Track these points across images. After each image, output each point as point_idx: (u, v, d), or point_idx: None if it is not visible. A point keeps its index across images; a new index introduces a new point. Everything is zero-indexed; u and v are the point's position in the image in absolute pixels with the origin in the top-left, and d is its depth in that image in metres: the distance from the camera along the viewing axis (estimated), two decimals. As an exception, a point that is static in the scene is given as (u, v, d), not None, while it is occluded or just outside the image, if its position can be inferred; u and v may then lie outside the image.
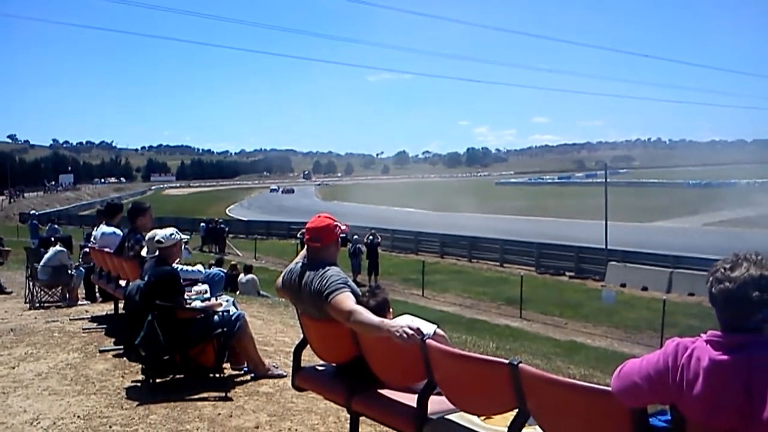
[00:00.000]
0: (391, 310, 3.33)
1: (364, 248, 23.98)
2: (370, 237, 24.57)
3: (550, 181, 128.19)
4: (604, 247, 25.12)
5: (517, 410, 2.41)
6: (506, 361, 2.39)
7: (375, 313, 3.10)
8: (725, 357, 1.88)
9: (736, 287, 1.89)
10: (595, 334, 16.94)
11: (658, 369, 2.00)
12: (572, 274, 24.91)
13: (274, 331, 7.39)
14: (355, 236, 23.47)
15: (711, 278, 1.97)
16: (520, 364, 2.33)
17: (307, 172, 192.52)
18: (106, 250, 6.95)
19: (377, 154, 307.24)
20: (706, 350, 1.93)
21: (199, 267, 6.09)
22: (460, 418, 2.80)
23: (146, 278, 4.97)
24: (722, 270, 1.94)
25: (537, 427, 2.41)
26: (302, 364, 3.66)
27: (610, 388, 2.08)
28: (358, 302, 3.17)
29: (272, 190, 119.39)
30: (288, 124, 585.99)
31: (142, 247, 5.85)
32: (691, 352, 1.95)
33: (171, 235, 5.24)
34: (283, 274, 3.59)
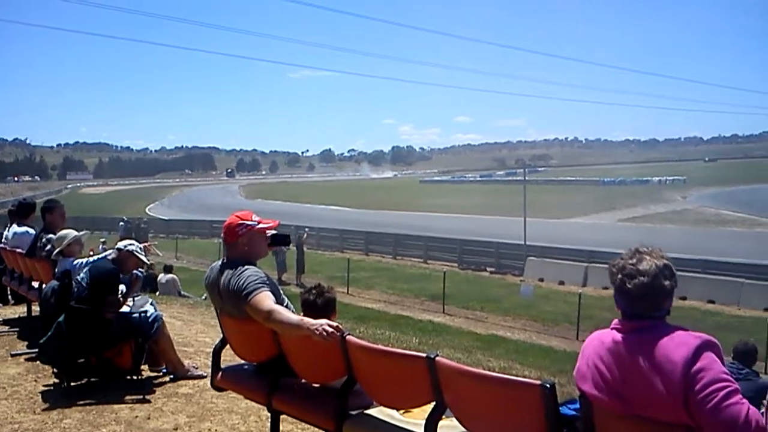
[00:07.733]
0: (337, 310, 3.29)
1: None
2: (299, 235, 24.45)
3: (472, 179, 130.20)
4: (523, 242, 25.82)
5: (434, 403, 2.46)
6: (423, 355, 2.43)
7: (321, 311, 3.12)
8: (619, 340, 2.04)
9: (650, 279, 2.01)
10: (514, 327, 17.40)
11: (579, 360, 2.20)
12: (493, 269, 25.51)
13: (195, 331, 7.26)
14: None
15: (620, 275, 2.07)
16: (437, 358, 2.38)
17: (230, 170, 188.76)
18: (18, 250, 6.67)
19: (302, 152, 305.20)
20: (609, 335, 2.09)
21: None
22: (379, 412, 2.83)
23: (86, 273, 4.78)
24: (630, 265, 2.05)
25: (454, 419, 2.47)
26: (222, 364, 3.62)
27: (522, 379, 2.18)
28: (303, 300, 3.19)
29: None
30: (210, 121, 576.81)
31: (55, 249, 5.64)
32: (597, 337, 2.13)
33: (127, 246, 5.07)
34: (206, 273, 3.54)
